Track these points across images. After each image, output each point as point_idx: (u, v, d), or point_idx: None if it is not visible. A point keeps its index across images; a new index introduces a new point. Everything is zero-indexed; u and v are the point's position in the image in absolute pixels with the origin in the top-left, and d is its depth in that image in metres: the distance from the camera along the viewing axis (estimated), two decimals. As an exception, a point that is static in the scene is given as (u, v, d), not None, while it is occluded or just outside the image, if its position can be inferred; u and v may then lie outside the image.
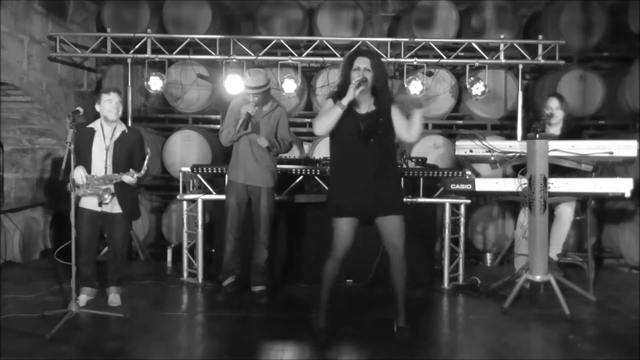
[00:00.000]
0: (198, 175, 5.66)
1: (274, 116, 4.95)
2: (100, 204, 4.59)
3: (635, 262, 6.46)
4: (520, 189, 4.76)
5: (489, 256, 6.85)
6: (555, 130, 5.32)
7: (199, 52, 6.95)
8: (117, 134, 4.69)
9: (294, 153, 6.83)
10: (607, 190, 4.71)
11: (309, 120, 7.42)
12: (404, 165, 5.80)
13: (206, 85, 7.29)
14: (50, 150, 6.95)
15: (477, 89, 6.80)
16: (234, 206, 4.95)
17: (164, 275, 5.98)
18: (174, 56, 6.92)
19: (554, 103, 5.32)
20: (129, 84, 6.92)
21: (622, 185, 4.68)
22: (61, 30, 6.80)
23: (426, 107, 4.16)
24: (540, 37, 6.92)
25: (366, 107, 3.91)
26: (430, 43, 6.89)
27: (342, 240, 3.86)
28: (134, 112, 7.06)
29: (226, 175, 5.14)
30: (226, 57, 6.81)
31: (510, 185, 4.88)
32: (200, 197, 5.54)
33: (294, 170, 5.53)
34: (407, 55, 6.86)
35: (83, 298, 4.67)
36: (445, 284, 5.49)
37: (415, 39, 6.91)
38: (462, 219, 5.58)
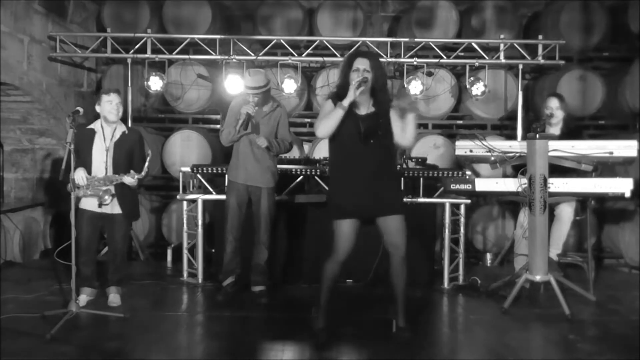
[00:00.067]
0: (198, 175, 5.66)
1: (274, 116, 4.95)
2: (100, 205, 4.59)
3: (635, 262, 6.46)
4: (520, 189, 4.75)
5: (489, 256, 6.85)
6: (555, 130, 5.32)
7: (199, 52, 6.95)
8: (117, 135, 4.69)
9: (294, 153, 6.83)
10: (607, 190, 4.71)
11: (309, 120, 7.43)
12: (404, 165, 5.80)
13: (206, 85, 7.28)
14: (50, 150, 6.95)
15: (477, 89, 6.80)
16: (234, 206, 4.95)
17: (164, 275, 5.98)
18: (174, 56, 6.92)
19: (554, 103, 5.32)
20: (129, 84, 6.92)
21: (622, 185, 4.68)
22: (61, 30, 6.80)
23: (417, 112, 4.16)
24: (540, 37, 6.92)
25: (366, 108, 3.90)
26: (430, 43, 6.89)
27: (344, 243, 3.84)
28: (134, 112, 7.06)
29: (226, 176, 5.14)
30: (226, 57, 6.81)
31: (510, 185, 4.88)
32: (200, 197, 5.54)
33: (294, 170, 5.53)
34: (407, 55, 6.86)
35: (83, 298, 4.67)
36: (445, 284, 5.49)
37: (415, 39, 6.91)
38: (462, 219, 5.58)
